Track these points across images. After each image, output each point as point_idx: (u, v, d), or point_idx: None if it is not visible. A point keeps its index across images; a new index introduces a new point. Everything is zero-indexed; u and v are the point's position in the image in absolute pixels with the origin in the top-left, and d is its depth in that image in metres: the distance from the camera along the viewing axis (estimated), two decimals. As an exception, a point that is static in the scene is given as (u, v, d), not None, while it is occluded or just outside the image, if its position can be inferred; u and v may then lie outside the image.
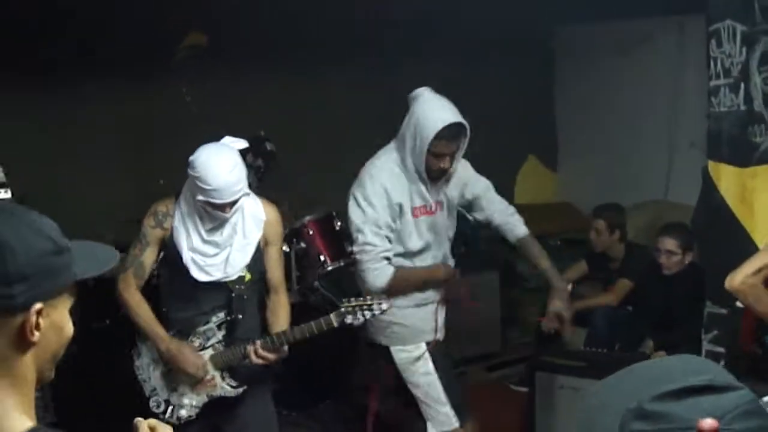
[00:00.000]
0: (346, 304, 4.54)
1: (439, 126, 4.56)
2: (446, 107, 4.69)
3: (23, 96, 7.63)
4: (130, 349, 4.79)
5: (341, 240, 7.10)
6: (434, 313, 5.07)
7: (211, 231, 4.47)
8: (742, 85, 5.40)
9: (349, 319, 4.50)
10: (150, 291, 4.81)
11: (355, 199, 4.85)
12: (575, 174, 9.67)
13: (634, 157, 8.58)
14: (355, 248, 4.88)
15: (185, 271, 4.49)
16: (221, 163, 4.27)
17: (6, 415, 1.79)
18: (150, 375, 4.71)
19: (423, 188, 4.82)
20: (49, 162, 7.59)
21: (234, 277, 4.55)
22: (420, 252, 4.93)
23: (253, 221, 4.57)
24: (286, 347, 4.57)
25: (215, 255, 4.50)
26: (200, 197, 4.30)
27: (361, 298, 4.56)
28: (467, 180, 5.11)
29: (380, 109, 9.01)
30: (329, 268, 6.97)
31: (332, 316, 4.52)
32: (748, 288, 4.23)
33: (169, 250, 4.56)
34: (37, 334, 1.79)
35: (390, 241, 4.82)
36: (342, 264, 7.05)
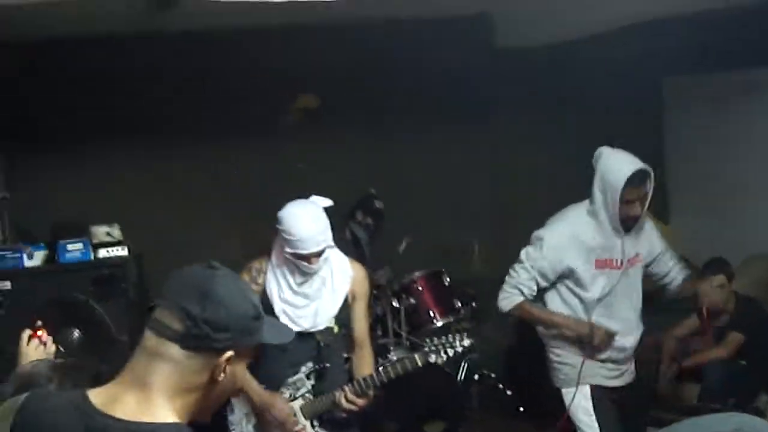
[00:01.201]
0: (430, 343, 4.67)
1: (628, 173, 4.80)
2: (628, 157, 4.95)
3: (140, 160, 7.98)
4: (224, 405, 4.82)
5: (451, 296, 7.19)
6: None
7: (301, 284, 4.64)
8: None
9: (432, 358, 4.62)
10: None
11: (536, 237, 5.13)
12: (687, 227, 9.56)
13: (745, 209, 8.45)
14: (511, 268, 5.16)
15: None
16: (305, 215, 4.50)
17: (163, 415, 2.15)
18: (244, 429, 4.81)
19: (617, 243, 5.01)
20: (166, 221, 7.86)
21: (322, 328, 4.71)
22: (595, 302, 5.07)
23: (341, 275, 4.74)
24: (372, 392, 4.67)
25: (305, 306, 4.67)
26: (288, 249, 4.51)
27: (444, 337, 4.67)
28: (652, 236, 5.30)
29: (488, 164, 9.15)
30: (439, 324, 7.05)
31: (417, 355, 4.65)
32: None
33: (263, 304, 4.63)
34: (222, 376, 2.20)
35: (537, 283, 5.04)
36: (452, 320, 7.14)
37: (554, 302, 5.15)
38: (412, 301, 7.09)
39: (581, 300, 5.07)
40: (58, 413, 2.17)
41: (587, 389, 5.08)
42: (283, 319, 4.62)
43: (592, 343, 4.97)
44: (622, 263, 5.03)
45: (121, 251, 5.37)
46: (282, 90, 8.40)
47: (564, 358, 5.15)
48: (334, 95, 8.42)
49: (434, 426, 6.92)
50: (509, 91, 8.89)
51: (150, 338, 2.19)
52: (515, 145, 9.13)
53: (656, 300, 7.38)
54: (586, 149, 8.79)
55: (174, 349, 2.14)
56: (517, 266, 5.08)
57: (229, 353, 2.18)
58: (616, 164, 4.88)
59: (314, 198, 4.69)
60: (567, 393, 5.14)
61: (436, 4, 4.63)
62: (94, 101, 7.80)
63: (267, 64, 8.12)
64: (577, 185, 8.84)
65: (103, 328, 5.10)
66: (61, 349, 3.83)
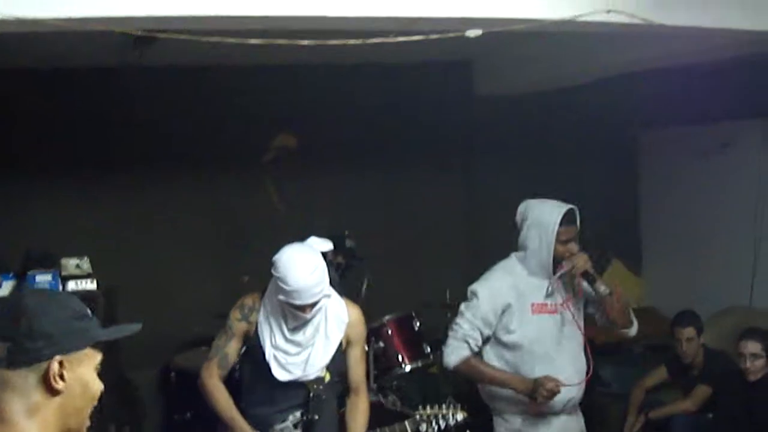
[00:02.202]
0: (421, 411, 4.65)
1: (561, 213, 4.90)
2: (554, 202, 5.05)
3: (113, 192, 8.02)
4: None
5: (420, 340, 7.20)
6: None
7: (293, 330, 4.51)
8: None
9: (423, 428, 4.61)
10: (231, 386, 4.94)
11: (469, 290, 5.15)
12: (659, 279, 9.65)
13: (718, 262, 8.52)
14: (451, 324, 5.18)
15: (266, 367, 4.54)
16: (302, 265, 4.31)
17: None
18: None
19: (545, 286, 5.03)
20: (138, 256, 7.88)
21: (312, 377, 4.58)
22: (522, 347, 5.02)
23: (335, 322, 4.61)
24: None
25: (297, 354, 4.54)
26: (281, 297, 4.35)
27: (437, 406, 4.68)
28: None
29: (463, 208, 9.22)
30: (407, 369, 7.07)
31: (407, 423, 4.65)
32: None
33: (252, 345, 4.60)
34: (61, 383, 2.17)
35: (480, 333, 5.02)
36: (420, 364, 7.16)
37: (491, 359, 5.10)
38: (381, 344, 7.09)
39: (518, 348, 5.01)
40: None
41: None
42: (273, 365, 4.54)
43: (536, 398, 4.84)
44: (556, 307, 5.04)
45: (90, 284, 5.36)
46: (261, 128, 8.47)
47: (505, 416, 5.10)
48: (313, 135, 8.49)
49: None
50: (487, 136, 8.99)
51: None
52: (491, 190, 9.20)
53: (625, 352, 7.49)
54: (564, 196, 8.93)
55: (7, 374, 2.15)
56: (458, 320, 5.09)
57: (58, 358, 2.17)
58: (547, 207, 4.99)
59: (312, 240, 4.61)
60: None
61: (416, 49, 4.70)
62: (70, 132, 7.82)
63: (246, 101, 8.19)
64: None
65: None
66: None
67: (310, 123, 8.46)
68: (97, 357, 2.32)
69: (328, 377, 4.64)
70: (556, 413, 5.04)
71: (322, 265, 4.40)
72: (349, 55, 4.73)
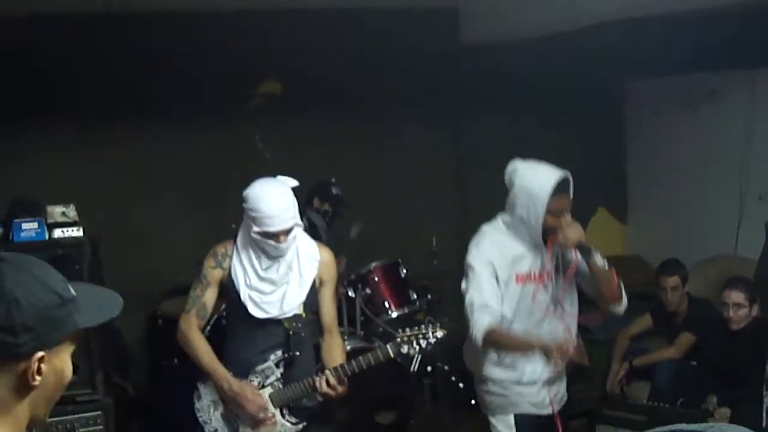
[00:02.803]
0: (402, 334, 4.64)
1: (552, 183, 4.49)
2: (546, 168, 4.65)
3: (99, 141, 7.97)
4: (192, 391, 4.85)
5: (406, 287, 7.22)
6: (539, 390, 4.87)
7: (267, 269, 4.57)
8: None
9: (405, 349, 4.60)
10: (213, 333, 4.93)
11: (465, 265, 4.74)
12: (645, 227, 9.66)
13: (703, 210, 8.54)
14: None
15: (243, 309, 4.59)
16: (273, 192, 4.44)
17: None
18: (211, 416, 4.77)
19: (538, 255, 4.69)
20: (124, 205, 7.85)
21: (290, 315, 4.64)
22: (505, 318, 4.68)
23: (308, 260, 4.67)
24: (346, 382, 4.65)
25: (272, 292, 4.59)
26: (255, 228, 4.43)
27: (416, 328, 4.64)
28: None
29: (450, 155, 9.20)
30: (394, 315, 7.08)
31: (389, 346, 4.62)
32: None
33: (228, 290, 4.66)
34: (38, 379, 1.94)
35: (495, 295, 4.63)
36: (407, 311, 7.17)
37: None
38: (368, 291, 7.10)
39: (505, 322, 4.67)
40: None
41: (510, 419, 4.85)
42: (250, 306, 4.60)
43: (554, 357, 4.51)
44: (542, 277, 4.71)
45: (76, 232, 5.29)
46: (244, 75, 8.39)
47: (491, 386, 4.89)
48: (299, 82, 8.41)
49: (385, 416, 6.94)
50: (473, 83, 8.93)
51: None
52: (478, 139, 9.17)
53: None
54: (549, 145, 8.92)
55: None
56: (467, 297, 4.64)
57: (40, 354, 1.94)
58: (538, 175, 4.59)
59: (281, 178, 4.62)
60: (493, 421, 4.92)
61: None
62: (54, 81, 7.75)
63: (230, 48, 8.12)
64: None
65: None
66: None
67: (295, 70, 8.39)
68: (73, 344, 2.09)
69: (304, 315, 4.70)
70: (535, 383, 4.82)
71: (291, 194, 4.50)
72: (329, 2, 4.64)
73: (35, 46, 7.60)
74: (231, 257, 4.65)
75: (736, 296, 6.58)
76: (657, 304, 7.25)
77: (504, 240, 4.69)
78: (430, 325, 4.67)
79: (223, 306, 5.17)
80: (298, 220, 4.53)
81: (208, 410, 4.79)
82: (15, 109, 7.61)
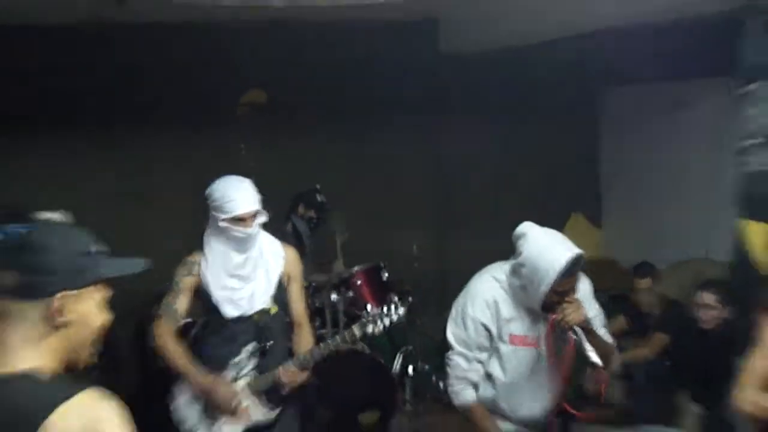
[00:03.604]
0: (367, 315, 4.70)
1: (558, 267, 4.03)
2: (558, 243, 4.16)
3: (88, 148, 8.04)
4: (165, 395, 4.88)
5: (388, 290, 7.22)
6: None
7: (236, 266, 4.67)
8: (773, 145, 5.48)
9: (370, 329, 4.63)
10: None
11: (455, 310, 4.56)
12: (619, 231, 9.71)
13: (676, 215, 8.59)
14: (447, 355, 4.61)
15: (215, 310, 4.70)
16: (234, 180, 4.62)
17: (21, 365, 2.28)
18: (187, 414, 4.80)
19: (529, 318, 4.39)
20: (113, 212, 7.84)
21: (258, 308, 4.73)
22: (491, 375, 4.55)
23: (272, 257, 4.79)
24: (311, 367, 4.72)
25: (241, 289, 4.69)
26: (222, 216, 4.57)
27: (380, 309, 4.68)
28: (584, 300, 4.36)
29: (430, 164, 9.22)
30: (376, 310, 7.07)
31: (354, 327, 4.66)
32: (753, 407, 4.01)
33: (201, 294, 4.75)
34: (63, 318, 2.31)
35: (479, 361, 4.50)
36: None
37: None
38: (351, 294, 7.11)
39: (490, 378, 4.53)
40: None
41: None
42: (223, 305, 4.69)
43: None
44: (539, 341, 4.42)
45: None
46: (232, 85, 8.42)
47: None
48: (284, 93, 8.45)
49: (369, 416, 6.95)
50: (453, 93, 8.97)
51: None
52: (457, 146, 9.20)
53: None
54: (528, 152, 8.95)
55: (12, 306, 2.29)
56: (452, 355, 4.52)
57: (59, 295, 2.30)
58: (549, 252, 4.09)
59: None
60: None
61: (383, 8, 4.65)
62: (46, 90, 7.78)
63: (217, 59, 8.15)
64: (517, 185, 8.96)
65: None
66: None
67: (280, 81, 8.43)
68: (101, 292, 2.44)
69: (274, 309, 4.78)
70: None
71: (251, 183, 4.63)
72: (317, 14, 4.67)
73: (27, 54, 7.63)
74: (199, 264, 4.75)
75: (707, 298, 6.61)
76: (631, 305, 7.29)
77: (500, 297, 4.40)
78: (392, 304, 4.70)
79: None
80: (260, 207, 4.61)
81: (184, 409, 4.82)
82: (7, 117, 7.63)
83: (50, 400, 2.19)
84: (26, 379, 2.25)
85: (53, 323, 2.31)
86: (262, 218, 4.64)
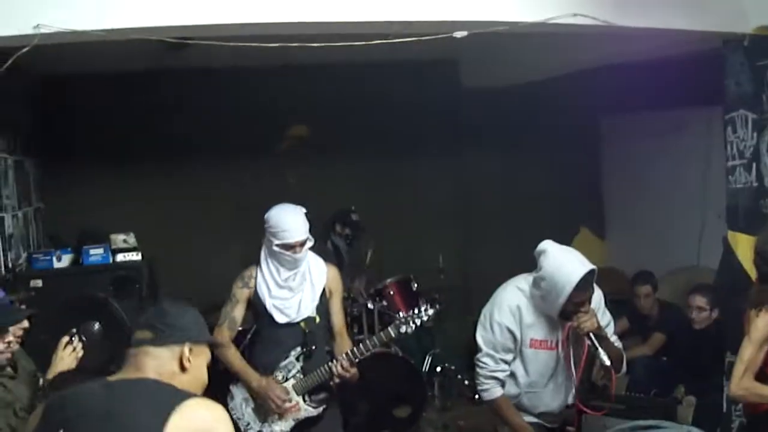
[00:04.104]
0: (400, 317, 4.82)
1: (573, 281, 4.11)
2: (574, 259, 4.24)
3: (154, 178, 8.14)
4: (225, 394, 4.94)
5: (417, 299, 7.24)
6: None
7: (286, 279, 4.76)
8: (754, 165, 5.47)
9: (403, 329, 4.75)
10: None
11: (483, 316, 4.57)
12: (621, 242, 9.69)
13: (670, 227, 8.54)
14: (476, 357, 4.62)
15: (268, 317, 4.79)
16: (288, 212, 4.73)
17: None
18: (243, 412, 4.89)
19: (548, 324, 4.42)
20: (174, 233, 7.94)
21: (305, 317, 4.82)
22: (514, 375, 4.56)
23: (317, 272, 4.89)
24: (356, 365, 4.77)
25: (290, 298, 4.79)
26: (276, 242, 4.67)
27: (411, 311, 4.80)
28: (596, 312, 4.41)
29: (453, 187, 9.24)
30: (408, 313, 7.09)
31: (390, 328, 4.79)
32: (746, 392, 4.13)
33: (255, 304, 4.85)
34: (188, 363, 2.72)
35: (505, 361, 4.50)
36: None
37: None
38: (385, 303, 7.15)
39: (510, 375, 4.55)
40: (79, 388, 2.66)
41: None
42: (274, 313, 4.78)
43: None
44: (557, 344, 4.46)
45: (136, 256, 5.40)
46: (277, 121, 8.50)
47: None
48: (323, 127, 8.53)
49: (402, 410, 6.98)
50: (472, 123, 9.01)
51: (132, 351, 2.71)
52: (477, 171, 9.24)
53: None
54: (540, 174, 8.95)
55: (150, 349, 2.68)
56: (480, 356, 4.53)
57: (189, 344, 2.73)
58: (566, 266, 4.17)
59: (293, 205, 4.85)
60: None
61: (411, 49, 4.71)
62: (116, 128, 7.93)
63: (264, 98, 8.22)
64: (530, 203, 8.96)
65: (119, 321, 5.13)
66: (84, 339, 3.93)
67: (319, 116, 8.51)
68: (209, 353, 2.86)
69: (317, 318, 4.86)
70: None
71: (303, 214, 4.75)
72: (352, 56, 4.74)
73: (101, 98, 7.81)
74: (255, 278, 4.84)
75: (699, 300, 6.62)
76: (632, 308, 7.28)
77: (523, 305, 4.41)
78: (423, 306, 4.81)
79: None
80: (309, 235, 4.73)
81: (241, 407, 4.92)
82: (82, 153, 7.81)
83: (175, 398, 2.55)
84: (153, 381, 2.64)
85: (181, 366, 2.71)
86: (309, 244, 4.74)
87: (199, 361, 2.78)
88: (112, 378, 2.68)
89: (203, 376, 2.81)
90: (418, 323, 4.77)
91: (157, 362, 2.67)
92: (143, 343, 2.70)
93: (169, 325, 2.73)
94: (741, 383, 4.12)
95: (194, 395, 2.64)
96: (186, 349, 2.71)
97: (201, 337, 2.82)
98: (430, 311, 4.78)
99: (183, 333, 2.74)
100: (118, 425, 2.49)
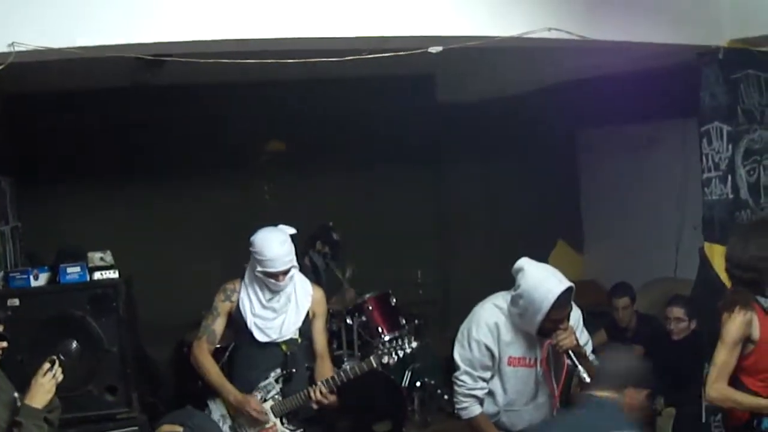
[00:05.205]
0: (383, 347, 4.80)
1: (551, 299, 4.07)
2: (551, 277, 4.19)
3: (129, 194, 8.13)
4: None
5: (397, 314, 7.25)
6: None
7: (270, 300, 4.73)
8: (730, 177, 5.53)
9: (385, 359, 4.75)
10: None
11: (461, 334, 4.50)
12: (598, 255, 9.73)
13: (647, 240, 8.59)
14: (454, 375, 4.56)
15: (248, 334, 4.75)
16: (274, 239, 4.63)
17: None
18: (220, 429, 4.82)
19: (526, 342, 4.36)
20: (151, 249, 7.92)
21: (287, 338, 4.78)
22: (494, 393, 4.50)
23: (303, 294, 4.85)
24: (335, 392, 4.76)
25: (273, 319, 4.75)
26: (259, 268, 4.62)
27: (394, 341, 4.79)
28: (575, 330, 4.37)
29: (431, 200, 9.27)
30: (386, 338, 7.09)
31: (372, 358, 4.76)
32: (720, 395, 4.17)
33: (236, 319, 4.80)
34: None
35: (483, 380, 4.43)
36: (397, 334, 7.17)
37: None
38: (364, 318, 7.13)
39: (489, 393, 4.49)
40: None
41: None
42: (255, 330, 4.74)
43: None
44: (536, 362, 4.40)
45: (113, 274, 5.36)
46: (254, 136, 8.51)
47: None
48: (300, 141, 8.54)
49: (382, 425, 6.97)
50: (449, 137, 9.04)
51: None
52: (455, 184, 9.27)
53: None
54: (517, 187, 8.97)
55: None
56: (458, 374, 4.46)
57: None
58: (543, 284, 4.13)
59: (281, 226, 4.78)
60: None
61: (388, 64, 4.73)
62: (91, 146, 7.90)
63: (241, 113, 8.25)
64: (507, 218, 8.97)
65: (97, 339, 5.10)
66: (62, 357, 3.91)
67: (298, 131, 8.52)
68: None
69: (300, 340, 4.83)
70: None
71: (290, 240, 4.68)
72: (329, 71, 4.76)
73: (76, 116, 7.80)
74: (239, 292, 4.80)
75: (677, 312, 6.64)
76: (610, 320, 7.28)
77: (502, 323, 4.35)
78: (406, 338, 4.81)
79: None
80: (294, 263, 4.69)
81: (218, 423, 4.83)
82: (61, 170, 7.78)
83: None
84: None
85: None
86: (293, 272, 4.72)
87: None
88: None
89: None
90: (401, 355, 4.78)
91: None
92: None
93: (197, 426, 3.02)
94: (715, 386, 4.17)
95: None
96: None
97: None
98: (414, 344, 4.79)
99: None
100: None
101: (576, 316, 4.47)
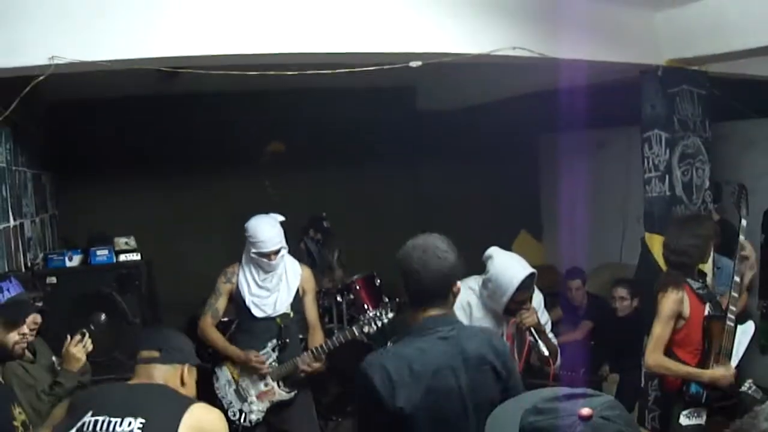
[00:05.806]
0: (363, 318, 4.89)
1: (516, 283, 4.09)
2: (517, 264, 4.20)
3: (151, 188, 8.12)
4: (211, 375, 5.00)
5: (381, 293, 7.26)
6: None
7: (264, 280, 4.79)
8: (667, 177, 5.59)
9: (366, 329, 4.83)
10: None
11: None
12: (555, 243, 9.78)
13: (597, 230, 8.65)
14: None
15: (247, 311, 4.83)
16: (265, 223, 4.72)
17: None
18: (227, 392, 4.92)
19: (495, 320, 4.34)
20: (170, 236, 7.92)
21: (281, 313, 4.84)
22: None
23: (292, 274, 4.91)
24: (324, 357, 4.84)
25: (267, 297, 4.82)
26: (253, 250, 4.69)
27: (374, 312, 4.87)
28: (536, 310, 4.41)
29: (411, 196, 9.30)
30: (371, 314, 7.12)
31: (354, 327, 4.86)
32: (655, 363, 4.25)
33: (236, 298, 4.88)
34: (186, 380, 2.95)
35: None
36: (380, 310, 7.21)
37: None
38: (352, 296, 7.15)
39: None
40: (104, 386, 3.00)
41: None
42: (252, 308, 4.80)
43: None
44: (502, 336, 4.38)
45: (136, 257, 5.39)
46: (257, 139, 8.52)
47: None
48: (297, 144, 8.55)
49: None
50: (427, 142, 9.06)
51: (140, 367, 2.91)
52: (432, 183, 9.29)
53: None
54: (485, 185, 8.98)
55: (158, 365, 2.90)
56: None
57: (187, 365, 2.96)
58: (509, 270, 4.15)
59: (271, 214, 4.87)
60: None
61: (372, 77, 4.76)
62: (118, 146, 7.90)
63: (246, 118, 8.25)
64: (477, 209, 8.98)
65: (122, 313, 5.12)
66: (92, 327, 3.94)
67: (294, 135, 8.52)
68: (195, 374, 3.05)
69: (292, 314, 4.88)
70: None
71: (279, 225, 4.75)
72: (322, 82, 4.79)
73: (104, 120, 7.79)
74: (237, 274, 4.87)
75: (621, 292, 6.72)
76: (565, 300, 7.36)
77: (474, 302, 4.37)
78: (383, 310, 4.88)
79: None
80: (284, 244, 4.75)
81: (224, 388, 4.95)
82: (90, 167, 7.78)
83: (186, 401, 2.78)
84: (167, 388, 2.85)
85: (182, 382, 2.93)
86: (284, 252, 4.77)
87: (192, 379, 3.00)
88: (131, 382, 2.90)
89: (194, 391, 3.01)
90: (379, 324, 4.84)
91: (164, 376, 2.89)
92: (152, 360, 2.91)
93: (173, 347, 2.94)
94: (652, 356, 4.26)
95: (199, 401, 2.83)
96: (185, 369, 2.94)
97: (195, 360, 3.02)
98: (390, 315, 4.85)
99: (183, 355, 2.96)
100: (141, 415, 2.66)
101: (539, 299, 4.50)
